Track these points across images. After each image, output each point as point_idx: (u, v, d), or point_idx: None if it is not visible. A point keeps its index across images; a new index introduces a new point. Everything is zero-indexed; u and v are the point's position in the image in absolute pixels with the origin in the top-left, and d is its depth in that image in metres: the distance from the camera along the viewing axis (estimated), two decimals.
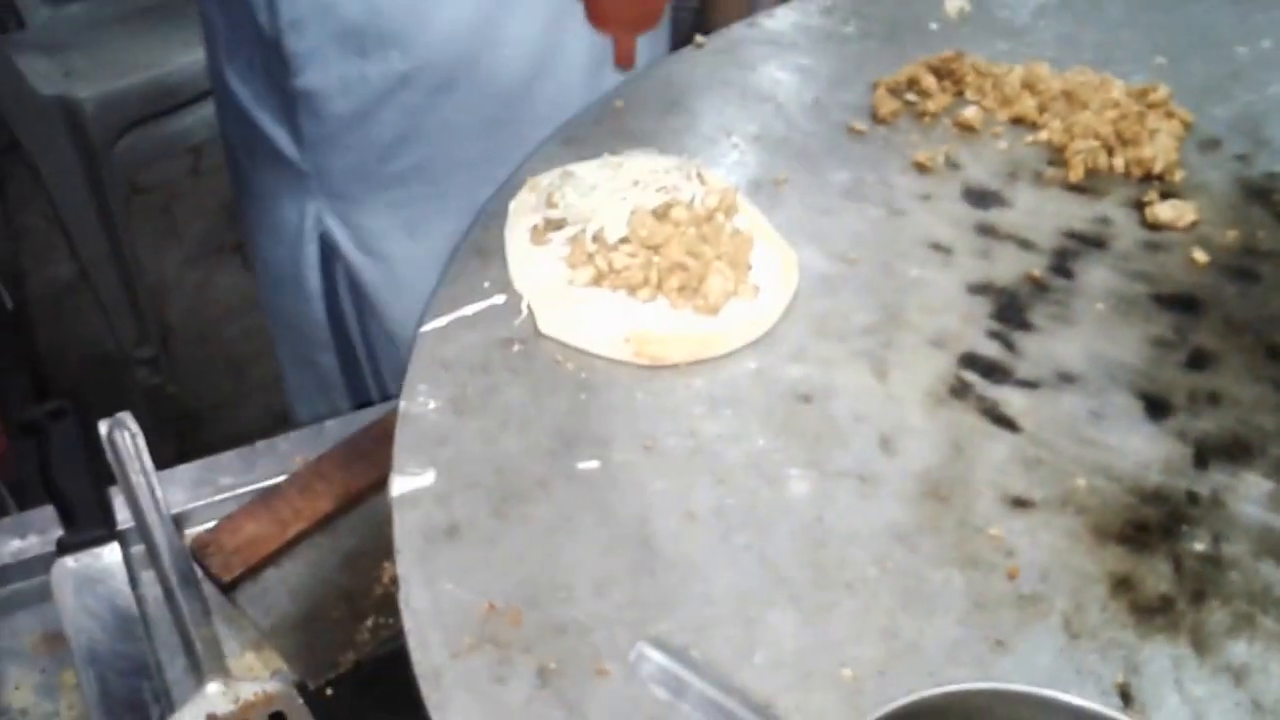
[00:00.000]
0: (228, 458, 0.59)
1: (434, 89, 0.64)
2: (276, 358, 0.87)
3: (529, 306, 0.49)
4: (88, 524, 0.56)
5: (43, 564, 0.55)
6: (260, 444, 0.59)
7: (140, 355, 1.47)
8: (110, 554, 0.54)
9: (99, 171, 1.31)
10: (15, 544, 0.56)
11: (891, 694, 0.32)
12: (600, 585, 0.39)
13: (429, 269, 0.66)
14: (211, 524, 0.55)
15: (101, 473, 0.57)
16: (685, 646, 0.36)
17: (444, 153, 0.67)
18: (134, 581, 0.54)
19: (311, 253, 0.75)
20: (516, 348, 0.48)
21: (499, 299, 0.50)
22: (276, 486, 0.56)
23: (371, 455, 0.55)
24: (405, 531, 0.41)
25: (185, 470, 0.59)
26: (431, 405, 0.46)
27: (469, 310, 0.50)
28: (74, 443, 0.58)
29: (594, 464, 0.43)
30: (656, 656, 0.27)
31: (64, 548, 0.55)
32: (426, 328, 0.49)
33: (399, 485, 0.43)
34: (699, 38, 0.66)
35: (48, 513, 0.57)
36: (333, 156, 0.68)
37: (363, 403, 0.82)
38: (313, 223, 0.73)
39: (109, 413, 0.57)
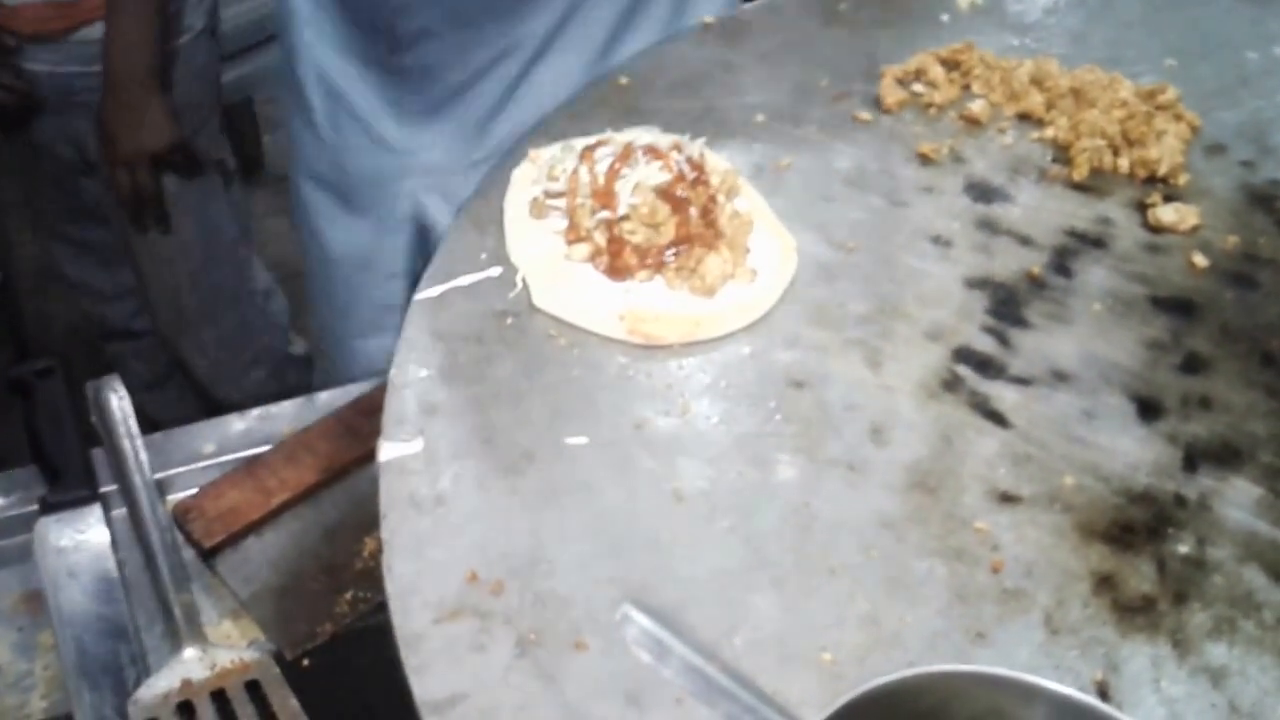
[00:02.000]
0: (213, 425, 0.59)
1: (530, 58, 0.66)
2: (316, 338, 0.86)
3: (524, 280, 0.49)
4: (71, 484, 0.55)
5: (25, 523, 0.55)
6: (246, 413, 0.59)
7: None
8: (93, 515, 0.54)
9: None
10: None
11: (871, 680, 0.32)
12: (583, 560, 0.39)
13: None
14: (195, 490, 0.55)
15: (86, 434, 0.57)
16: (670, 619, 0.36)
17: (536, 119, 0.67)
18: (115, 544, 0.53)
19: (406, 231, 0.74)
20: (510, 320, 0.48)
21: (495, 271, 0.50)
22: (261, 455, 0.55)
23: (358, 429, 0.55)
24: (391, 497, 0.41)
25: (170, 435, 0.58)
26: (423, 374, 0.45)
27: (464, 281, 0.49)
28: (60, 403, 0.58)
29: (582, 440, 0.43)
30: (641, 620, 0.27)
31: (47, 507, 0.54)
32: (420, 296, 0.48)
33: (387, 451, 0.42)
34: (707, 17, 0.65)
35: (31, 472, 0.57)
36: (432, 131, 0.69)
37: None
38: (407, 205, 0.73)
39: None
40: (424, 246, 0.76)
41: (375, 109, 0.70)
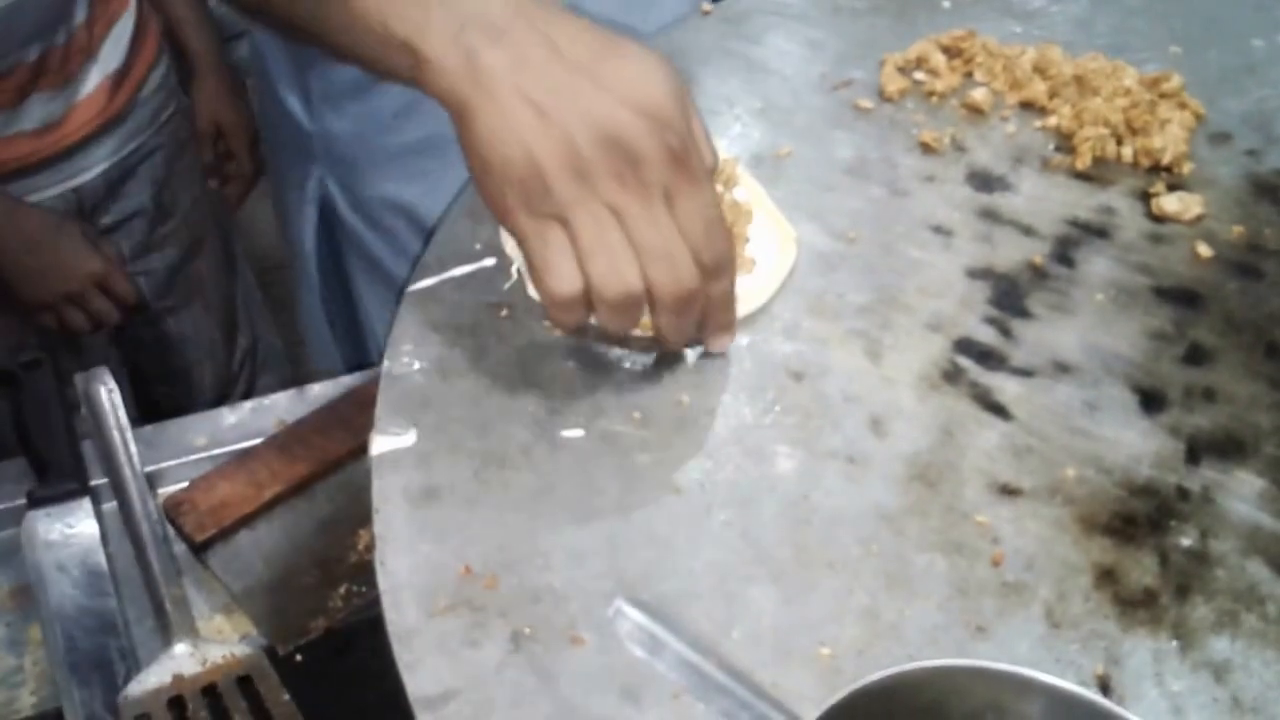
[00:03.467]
0: (205, 417, 0.58)
1: None
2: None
3: (519, 270, 0.48)
4: (60, 477, 0.55)
5: (13, 517, 0.54)
6: (238, 405, 0.58)
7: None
8: (82, 509, 0.53)
9: None
10: None
11: (869, 674, 0.31)
12: (579, 554, 0.39)
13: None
14: (186, 484, 0.54)
15: (75, 427, 0.56)
16: (664, 614, 0.36)
17: (447, 131, 0.65)
18: (105, 538, 0.53)
19: (310, 215, 0.73)
20: (505, 312, 0.47)
21: (489, 262, 0.49)
22: (253, 448, 0.55)
23: (352, 421, 0.54)
24: (384, 491, 0.40)
25: (161, 428, 0.58)
26: (416, 366, 0.45)
27: (458, 272, 0.48)
28: (48, 395, 0.57)
29: (578, 432, 0.43)
30: (634, 615, 0.27)
31: (35, 501, 0.54)
32: (414, 288, 0.47)
33: (380, 445, 0.42)
34: (705, 5, 0.64)
35: (20, 465, 0.56)
36: (338, 123, 0.67)
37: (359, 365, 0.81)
38: (314, 186, 0.72)
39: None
40: (330, 236, 0.73)
41: (290, 90, 0.68)
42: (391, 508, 0.40)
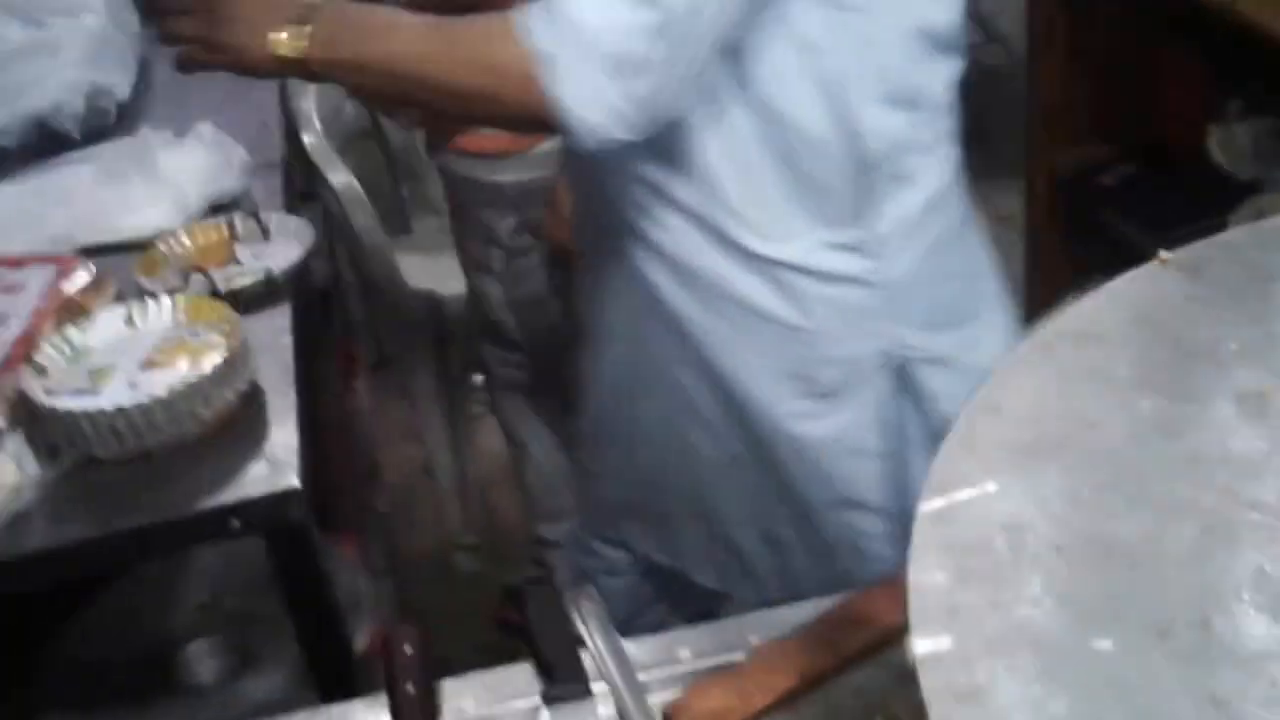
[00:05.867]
0: (684, 634, 0.66)
1: None
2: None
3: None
4: (567, 678, 0.64)
5: (528, 716, 0.62)
6: (714, 624, 0.66)
7: (463, 541, 1.57)
8: (588, 708, 0.61)
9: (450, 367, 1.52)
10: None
11: None
12: None
13: None
14: (673, 692, 0.61)
15: (575, 635, 0.66)
16: None
17: None
18: None
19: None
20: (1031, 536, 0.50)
21: (990, 487, 0.55)
22: (741, 662, 0.61)
23: (832, 640, 0.59)
24: (933, 691, 0.42)
25: (641, 641, 0.66)
26: (939, 578, 0.49)
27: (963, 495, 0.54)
28: (553, 606, 0.69)
29: (1107, 644, 0.43)
30: None
31: (549, 699, 0.63)
32: (925, 508, 0.54)
33: (920, 647, 0.45)
34: (1163, 254, 0.61)
35: (525, 670, 0.66)
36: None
37: None
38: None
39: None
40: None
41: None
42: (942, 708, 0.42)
